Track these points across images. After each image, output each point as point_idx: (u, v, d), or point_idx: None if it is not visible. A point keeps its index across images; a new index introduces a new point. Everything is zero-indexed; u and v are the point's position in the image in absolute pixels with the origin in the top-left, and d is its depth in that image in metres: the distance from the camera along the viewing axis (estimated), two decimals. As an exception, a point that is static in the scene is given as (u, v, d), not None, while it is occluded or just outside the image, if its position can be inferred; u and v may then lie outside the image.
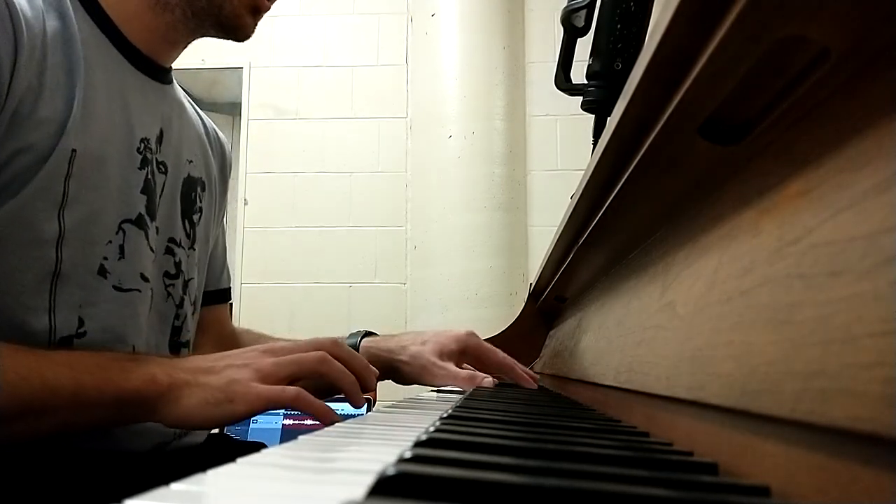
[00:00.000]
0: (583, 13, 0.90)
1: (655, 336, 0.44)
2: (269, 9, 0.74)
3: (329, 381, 0.60)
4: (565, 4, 0.92)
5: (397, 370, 0.88)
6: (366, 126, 2.83)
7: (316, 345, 0.61)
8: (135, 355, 0.61)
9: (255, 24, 0.74)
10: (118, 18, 0.67)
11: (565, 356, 0.89)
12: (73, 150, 0.60)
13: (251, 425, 1.95)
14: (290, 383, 0.57)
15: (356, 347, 0.89)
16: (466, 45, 2.59)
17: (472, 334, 0.90)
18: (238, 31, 0.73)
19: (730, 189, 0.38)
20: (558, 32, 0.97)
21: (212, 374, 0.57)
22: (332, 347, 0.61)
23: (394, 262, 2.73)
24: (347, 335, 0.92)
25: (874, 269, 0.20)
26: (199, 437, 0.79)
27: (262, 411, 0.56)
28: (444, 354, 0.86)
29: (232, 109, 3.23)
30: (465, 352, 0.89)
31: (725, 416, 0.30)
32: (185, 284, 0.77)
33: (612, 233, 0.62)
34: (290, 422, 1.97)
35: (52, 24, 0.60)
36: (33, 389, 0.51)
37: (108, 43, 0.66)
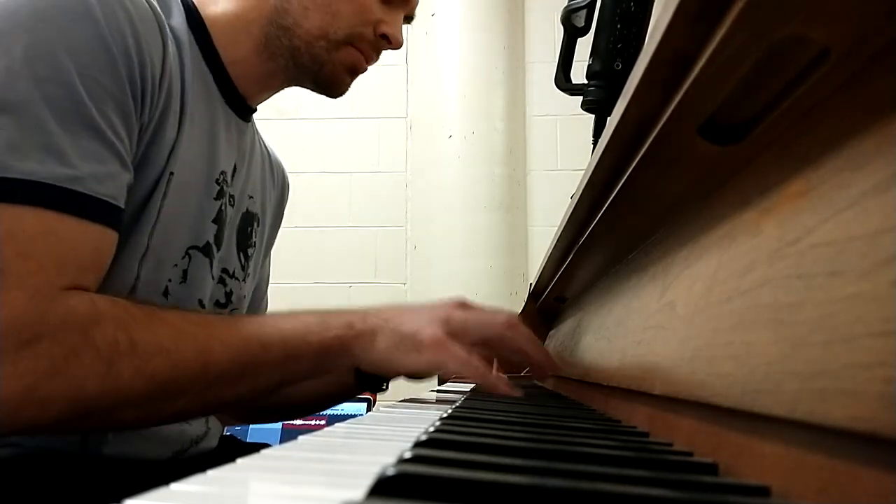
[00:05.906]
0: (583, 13, 0.90)
1: (655, 336, 0.44)
2: (366, 69, 0.74)
3: (513, 348, 0.64)
4: (565, 4, 0.92)
5: None
6: (366, 126, 2.82)
7: (501, 313, 0.65)
8: (328, 309, 0.64)
9: (351, 83, 0.75)
10: (227, 57, 0.70)
11: (565, 356, 0.89)
12: (171, 173, 0.62)
13: (251, 426, 1.94)
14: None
15: None
16: (466, 45, 2.59)
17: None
18: (334, 88, 0.75)
19: (730, 189, 0.38)
20: (558, 32, 0.97)
21: (404, 321, 0.60)
22: (516, 319, 0.64)
23: (394, 262, 2.73)
24: None
25: (874, 269, 0.20)
26: (214, 442, 0.79)
27: (442, 370, 0.61)
28: None
29: (232, 109, 3.23)
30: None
31: (725, 416, 0.30)
32: (232, 314, 0.78)
33: (613, 233, 0.62)
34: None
35: (172, 49, 0.62)
36: (252, 351, 0.56)
37: (209, 75, 0.69)
